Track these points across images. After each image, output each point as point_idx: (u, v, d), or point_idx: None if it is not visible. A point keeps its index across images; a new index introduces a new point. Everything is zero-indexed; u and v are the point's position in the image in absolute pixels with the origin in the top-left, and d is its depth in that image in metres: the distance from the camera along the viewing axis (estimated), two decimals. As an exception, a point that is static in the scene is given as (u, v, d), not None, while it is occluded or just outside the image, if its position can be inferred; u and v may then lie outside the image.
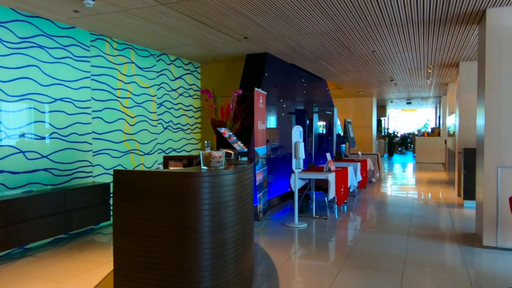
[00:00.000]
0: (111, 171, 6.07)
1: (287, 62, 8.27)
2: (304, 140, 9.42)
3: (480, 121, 5.10)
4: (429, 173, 13.11)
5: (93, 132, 5.77)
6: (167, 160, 4.56)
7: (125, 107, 6.36)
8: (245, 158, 4.07)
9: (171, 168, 4.20)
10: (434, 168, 14.66)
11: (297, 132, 5.96)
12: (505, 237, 4.70)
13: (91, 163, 5.74)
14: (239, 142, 4.31)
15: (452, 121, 11.02)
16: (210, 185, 2.90)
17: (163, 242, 2.87)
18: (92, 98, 5.75)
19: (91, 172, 5.74)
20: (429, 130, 20.40)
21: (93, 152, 5.77)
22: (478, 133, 5.32)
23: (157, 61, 7.14)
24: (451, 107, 11.83)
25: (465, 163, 7.30)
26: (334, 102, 12.35)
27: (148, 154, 6.87)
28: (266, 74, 7.26)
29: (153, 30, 5.66)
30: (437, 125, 20.01)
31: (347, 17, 5.12)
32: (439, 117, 18.85)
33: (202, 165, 3.01)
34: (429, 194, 8.82)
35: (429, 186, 10.16)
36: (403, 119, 29.36)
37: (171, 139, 7.48)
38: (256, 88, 5.90)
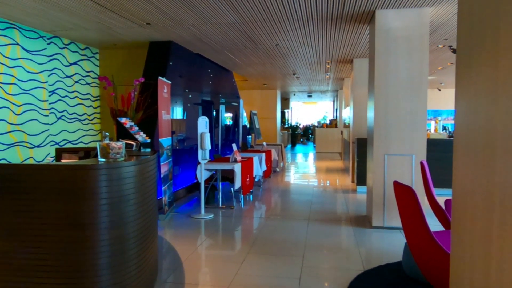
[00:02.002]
0: (-7, 166, 5.37)
1: (192, 51, 8.12)
2: (211, 131, 9.39)
3: (371, 113, 5.59)
4: (328, 162, 14.06)
5: (-31, 122, 5.04)
6: (60, 153, 4.17)
7: (9, 94, 5.66)
8: (148, 149, 3.90)
9: (64, 161, 3.85)
10: (332, 157, 15.76)
11: (202, 123, 5.90)
12: (391, 218, 5.25)
13: (-33, 158, 5.02)
14: (142, 133, 4.11)
15: (347, 114, 11.93)
16: (108, 178, 2.72)
17: (54, 242, 2.62)
18: (-33, 82, 5.02)
19: (-34, 167, 5.01)
20: (328, 122, 21.84)
21: (-31, 144, 5.05)
22: (368, 124, 5.82)
23: (48, 44, 6.48)
24: (347, 101, 12.79)
25: (358, 152, 7.96)
26: (240, 94, 12.51)
27: (38, 146, 6.23)
28: (171, 63, 7.05)
29: (41, 8, 5.10)
30: (335, 117, 21.52)
31: (251, 9, 5.19)
32: (336, 109, 20.27)
33: (99, 157, 2.81)
34: (328, 182, 9.46)
35: (328, 174, 10.90)
36: (305, 111, 30.96)
37: (66, 130, 6.87)
38: (160, 77, 5.69)
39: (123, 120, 4.03)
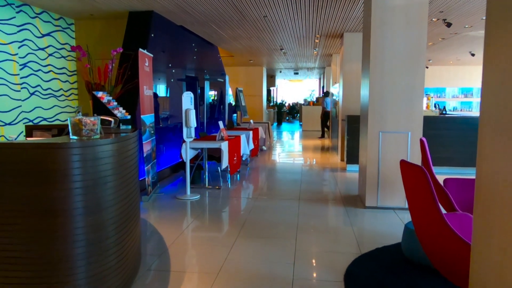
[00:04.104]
0: (-41, 146, 4.95)
1: (175, 23, 7.66)
2: (196, 108, 9.03)
3: (365, 89, 5.32)
4: (315, 140, 13.86)
5: None
6: (30, 130, 3.80)
7: (-26, 66, 5.19)
8: (128, 126, 3.57)
9: (30, 139, 3.49)
10: (319, 135, 15.57)
11: (187, 99, 5.55)
12: (384, 197, 5.06)
13: None
14: (121, 108, 3.76)
15: (335, 91, 11.67)
16: (82, 158, 2.39)
17: (21, 231, 2.30)
18: None
19: None
20: (314, 100, 21.59)
21: None
22: (362, 101, 5.56)
23: (17, 12, 5.95)
24: (335, 78, 12.51)
25: (348, 130, 7.74)
26: (225, 71, 12.08)
27: (10, 124, 5.79)
28: (152, 35, 6.60)
29: (7, -29, 4.60)
30: (321, 95, 21.27)
31: (239, -25, 4.79)
32: (323, 87, 19.99)
33: (71, 134, 2.47)
34: (316, 160, 9.26)
35: (316, 152, 10.70)
36: (290, 89, 30.61)
37: (40, 107, 6.42)
38: (140, 49, 5.28)
39: (99, 94, 3.66)
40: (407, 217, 4.78)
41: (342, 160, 8.83)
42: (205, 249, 3.76)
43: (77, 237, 2.40)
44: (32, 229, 2.30)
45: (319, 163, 8.78)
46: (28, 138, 3.55)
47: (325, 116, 13.95)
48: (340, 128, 8.99)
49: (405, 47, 4.87)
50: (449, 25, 7.20)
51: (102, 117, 3.34)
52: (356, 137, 7.44)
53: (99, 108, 3.66)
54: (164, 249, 3.74)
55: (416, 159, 4.94)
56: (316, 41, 9.93)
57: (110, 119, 3.32)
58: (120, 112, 3.67)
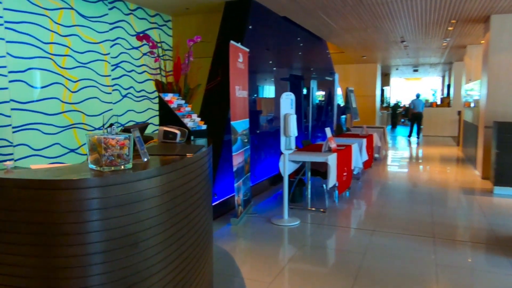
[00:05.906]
0: (45, 152, 4.63)
1: (278, 14, 6.68)
2: (300, 111, 7.95)
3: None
4: (439, 148, 11.73)
5: (12, 100, 4.27)
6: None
7: (62, 67, 4.83)
8: (202, 140, 2.63)
9: (39, 166, 2.76)
10: (444, 142, 13.28)
11: (287, 101, 4.48)
12: None
13: (11, 143, 4.29)
14: (194, 116, 2.85)
15: (470, 90, 9.53)
16: (101, 204, 1.47)
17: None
18: (8, 53, 4.23)
19: (11, 154, 4.29)
20: (438, 101, 18.87)
21: (13, 127, 4.30)
22: (535, 103, 3.86)
23: (110, 9, 5.54)
24: (469, 74, 10.32)
25: (498, 140, 5.87)
26: (334, 68, 10.79)
27: (99, 129, 5.40)
28: (251, 27, 5.70)
29: (88, -42, 4.07)
30: (445, 95, 18.51)
31: None
32: (449, 85, 17.32)
33: (89, 162, 1.56)
34: (447, 176, 7.45)
35: (443, 164, 8.78)
36: (406, 88, 27.70)
37: (132, 110, 5.98)
38: (232, 42, 4.37)
39: (168, 97, 2.81)
40: None
41: (484, 178, 6.90)
42: (302, 317, 2.64)
43: (90, 332, 1.48)
44: (21, 315, 1.45)
45: (450, 180, 6.99)
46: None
47: (415, 117, 14.20)
48: (482, 137, 7.05)
49: None
50: None
51: (165, 128, 2.44)
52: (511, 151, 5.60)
53: (168, 115, 2.79)
54: (246, 309, 2.72)
55: None
56: (450, 28, 8.06)
57: (175, 131, 2.41)
58: (193, 121, 2.75)
